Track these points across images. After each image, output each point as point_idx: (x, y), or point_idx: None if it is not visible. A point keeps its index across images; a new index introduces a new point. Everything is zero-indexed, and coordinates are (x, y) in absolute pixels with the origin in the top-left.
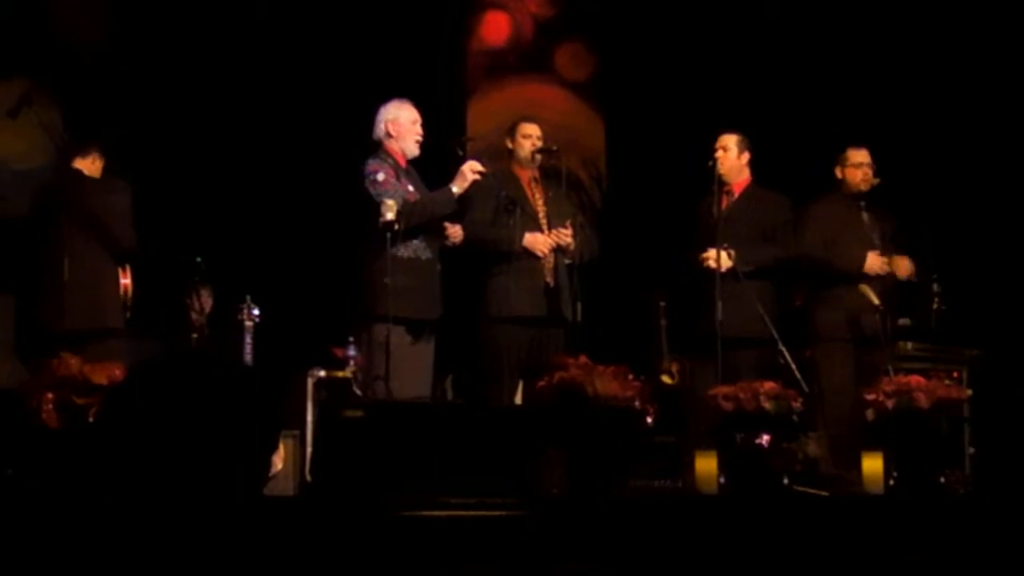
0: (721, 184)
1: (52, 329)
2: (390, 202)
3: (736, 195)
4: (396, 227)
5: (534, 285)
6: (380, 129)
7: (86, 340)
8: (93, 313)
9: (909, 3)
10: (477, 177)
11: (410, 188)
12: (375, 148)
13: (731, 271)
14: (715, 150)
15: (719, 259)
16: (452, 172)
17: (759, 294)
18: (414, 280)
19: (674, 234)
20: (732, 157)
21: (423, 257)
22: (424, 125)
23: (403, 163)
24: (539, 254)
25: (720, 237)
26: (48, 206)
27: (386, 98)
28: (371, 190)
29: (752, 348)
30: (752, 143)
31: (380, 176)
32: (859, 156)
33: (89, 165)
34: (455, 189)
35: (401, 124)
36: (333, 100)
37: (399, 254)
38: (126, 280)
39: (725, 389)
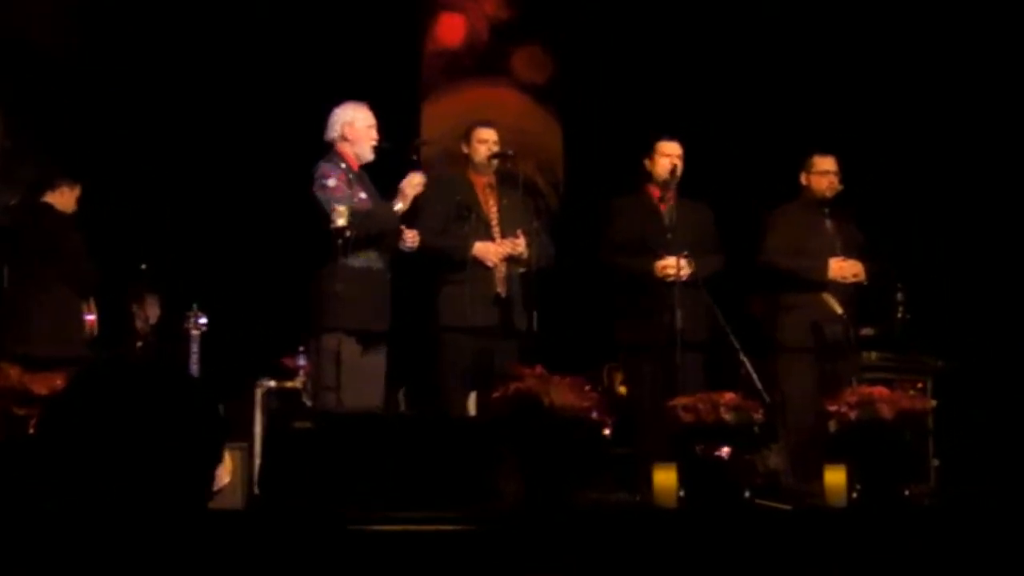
0: (666, 191)
1: (17, 353)
2: (341, 208)
3: (672, 203)
4: (347, 234)
5: (486, 294)
6: (334, 131)
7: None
8: (58, 343)
9: (870, 7)
10: (418, 190)
11: (362, 195)
12: (327, 150)
13: (691, 279)
14: (669, 157)
15: (678, 267)
16: (403, 177)
17: (705, 300)
18: (365, 290)
19: (617, 235)
20: (680, 165)
21: (375, 267)
22: (377, 128)
23: (355, 167)
24: (489, 264)
25: (673, 245)
26: (15, 239)
27: (338, 99)
28: (319, 195)
29: (696, 351)
30: (718, 149)
31: (331, 182)
32: (825, 163)
33: (59, 199)
34: (398, 206)
35: (357, 128)
36: (283, 101)
37: (352, 264)
38: (91, 316)
39: (684, 400)
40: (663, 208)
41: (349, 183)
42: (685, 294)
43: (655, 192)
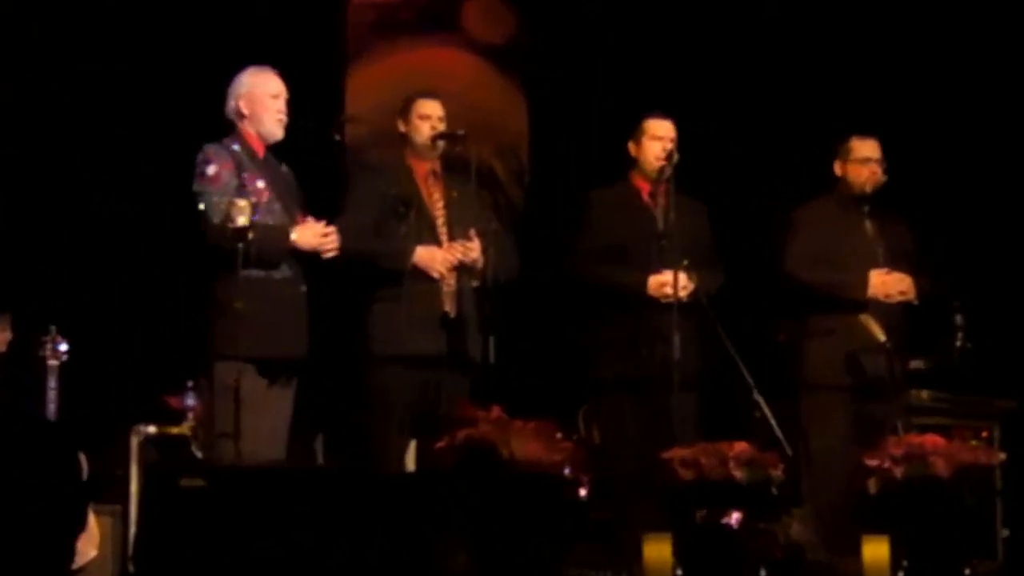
0: (657, 184)
1: None
2: (242, 203)
3: (665, 200)
4: (250, 236)
5: (429, 315)
6: (231, 106)
7: None
8: None
9: None
10: (329, 254)
11: (259, 184)
12: (228, 131)
13: (692, 298)
14: (660, 139)
15: (676, 283)
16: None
17: (708, 325)
18: (272, 307)
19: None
20: (675, 151)
21: (278, 276)
22: (289, 101)
23: (260, 151)
24: (435, 275)
25: (668, 255)
26: None
27: (240, 66)
28: (195, 186)
29: (695, 390)
30: (723, 129)
31: (211, 169)
32: (866, 149)
33: None
34: (294, 236)
35: (257, 99)
36: (171, 70)
37: (254, 274)
38: None
39: (682, 452)
40: (654, 206)
41: (239, 170)
42: (683, 317)
43: (644, 186)
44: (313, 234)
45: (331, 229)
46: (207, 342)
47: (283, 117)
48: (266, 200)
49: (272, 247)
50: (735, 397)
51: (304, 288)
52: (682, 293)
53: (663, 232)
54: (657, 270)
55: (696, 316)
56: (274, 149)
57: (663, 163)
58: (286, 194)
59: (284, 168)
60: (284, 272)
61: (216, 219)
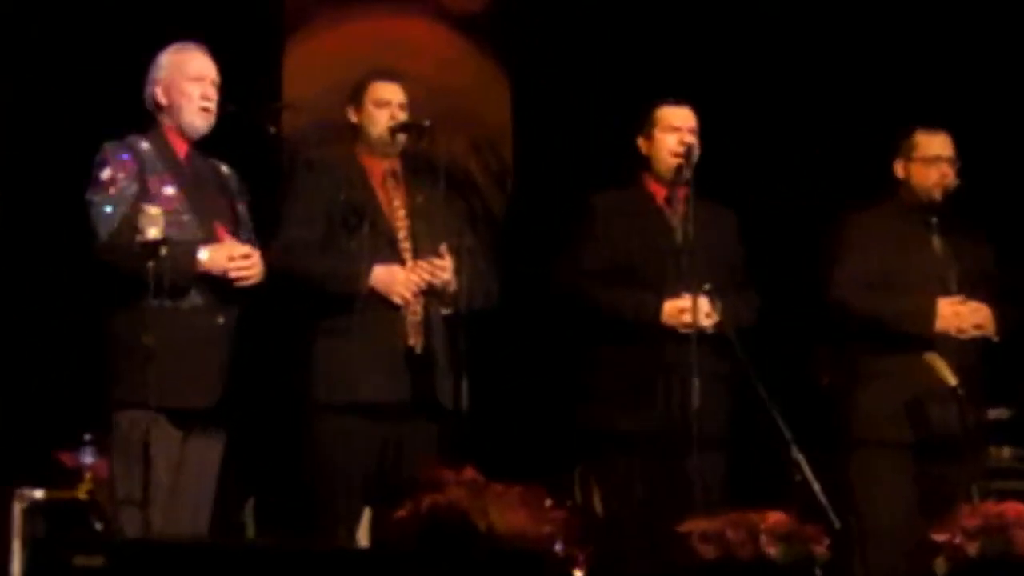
0: (675, 188)
1: None
2: (153, 211)
3: (685, 207)
4: (163, 252)
5: (389, 350)
6: (147, 95)
7: None
8: None
9: None
10: (244, 283)
11: (168, 190)
12: (147, 125)
13: (717, 330)
14: (677, 131)
15: (696, 310)
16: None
17: (737, 365)
18: (180, 343)
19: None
20: (696, 145)
21: (186, 306)
22: (221, 86)
23: (181, 150)
24: (396, 300)
25: (688, 274)
26: None
27: (160, 44)
28: (87, 193)
29: (719, 446)
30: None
31: (105, 173)
32: (935, 145)
33: None
34: (203, 255)
35: (176, 85)
36: (80, 52)
37: (164, 303)
38: None
39: (703, 523)
40: (670, 214)
41: (142, 173)
42: (706, 354)
43: (657, 189)
44: (225, 256)
45: (246, 251)
46: (107, 387)
47: (209, 105)
48: (175, 210)
49: (177, 269)
50: (769, 455)
51: (222, 320)
52: (705, 323)
53: (682, 246)
54: (674, 293)
55: (721, 353)
56: (208, 145)
57: (681, 161)
58: (210, 203)
59: (224, 169)
60: (194, 300)
61: (104, 233)
